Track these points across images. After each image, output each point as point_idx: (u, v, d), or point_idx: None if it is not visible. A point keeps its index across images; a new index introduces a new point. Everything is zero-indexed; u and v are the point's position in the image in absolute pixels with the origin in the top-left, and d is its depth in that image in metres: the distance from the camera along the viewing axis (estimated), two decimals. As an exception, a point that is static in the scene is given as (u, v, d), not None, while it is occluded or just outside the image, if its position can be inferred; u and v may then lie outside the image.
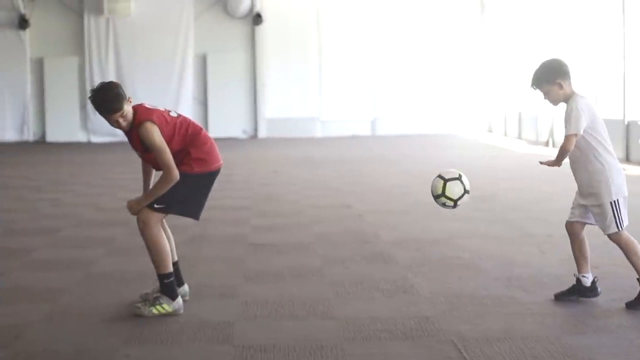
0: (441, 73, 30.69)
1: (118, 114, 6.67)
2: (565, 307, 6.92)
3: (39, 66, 30.03)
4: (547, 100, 7.03)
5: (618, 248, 6.99)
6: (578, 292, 7.02)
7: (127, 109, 6.71)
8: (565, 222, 7.16)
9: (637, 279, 6.90)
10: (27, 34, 29.69)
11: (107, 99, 6.67)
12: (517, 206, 12.68)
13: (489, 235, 10.27)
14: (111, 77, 29.02)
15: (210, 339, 6.23)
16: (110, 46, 30.00)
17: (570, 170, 7.15)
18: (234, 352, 5.90)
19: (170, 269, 6.94)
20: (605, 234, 6.94)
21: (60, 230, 11.14)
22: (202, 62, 30.48)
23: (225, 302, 7.30)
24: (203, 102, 30.38)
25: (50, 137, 29.79)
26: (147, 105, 6.93)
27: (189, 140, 6.92)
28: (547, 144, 24.74)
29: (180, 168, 6.83)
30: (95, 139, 29.70)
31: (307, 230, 10.93)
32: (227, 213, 12.45)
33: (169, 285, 6.90)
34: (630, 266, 6.97)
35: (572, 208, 7.10)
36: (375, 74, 31.07)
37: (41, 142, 29.57)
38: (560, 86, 6.84)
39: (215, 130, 29.78)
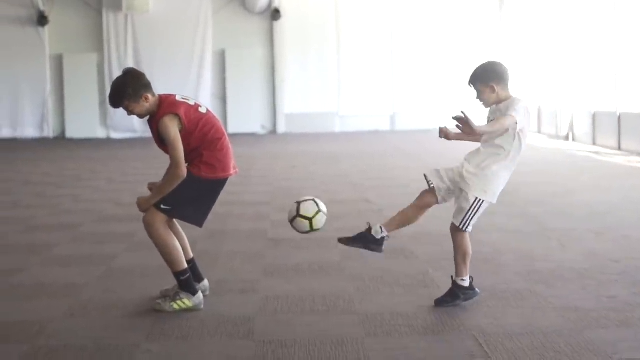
0: (460, 68, 30.55)
1: (121, 106, 6.82)
2: (587, 301, 6.89)
3: (58, 63, 30.10)
4: (479, 100, 6.91)
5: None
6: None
7: (134, 105, 6.76)
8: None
9: (452, 277, 6.90)
10: (46, 31, 29.75)
11: (111, 92, 6.87)
12: (537, 200, 12.63)
13: (509, 229, 10.24)
14: (130, 74, 29.04)
15: (230, 334, 6.23)
16: (129, 42, 30.03)
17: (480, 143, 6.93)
18: (254, 347, 5.90)
19: (184, 265, 6.92)
20: (452, 221, 6.81)
21: (80, 225, 11.18)
22: (221, 58, 30.49)
23: (245, 297, 7.30)
24: (222, 98, 30.41)
25: (70, 134, 29.85)
26: (177, 98, 6.92)
27: (207, 142, 6.88)
28: (567, 138, 24.66)
29: (188, 168, 6.85)
30: (114, 135, 29.76)
31: (327, 225, 10.88)
32: (247, 208, 12.46)
33: (186, 281, 6.90)
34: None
35: (441, 175, 6.90)
36: (394, 69, 31.00)
37: (61, 139, 29.66)
38: (493, 90, 6.78)
39: (234, 125, 29.81)
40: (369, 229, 6.91)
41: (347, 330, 6.23)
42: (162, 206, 6.81)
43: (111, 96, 6.84)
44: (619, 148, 21.22)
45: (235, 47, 30.42)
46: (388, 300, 7.11)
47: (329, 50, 30.86)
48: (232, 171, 7.06)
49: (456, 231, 6.80)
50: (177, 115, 6.75)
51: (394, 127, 30.99)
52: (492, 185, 6.73)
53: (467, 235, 6.79)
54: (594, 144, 22.90)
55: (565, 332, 6.07)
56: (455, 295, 6.80)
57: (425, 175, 6.97)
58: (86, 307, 7.07)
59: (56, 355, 5.83)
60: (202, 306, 6.90)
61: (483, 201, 6.70)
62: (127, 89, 6.75)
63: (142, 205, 6.90)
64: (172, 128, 6.74)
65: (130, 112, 6.85)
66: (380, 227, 6.89)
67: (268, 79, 30.74)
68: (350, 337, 6.05)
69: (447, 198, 6.90)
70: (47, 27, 29.72)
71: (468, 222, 6.72)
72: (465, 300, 6.79)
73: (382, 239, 6.88)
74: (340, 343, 5.93)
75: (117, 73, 28.42)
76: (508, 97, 6.80)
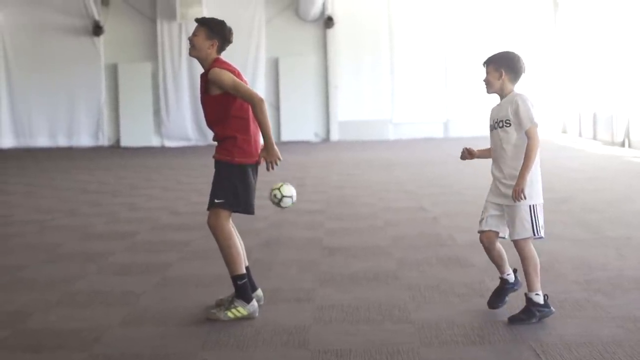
0: (514, 74, 30.33)
1: (200, 25, 7.18)
2: (647, 311, 6.80)
3: (113, 72, 30.37)
4: (484, 82, 7.00)
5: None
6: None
7: (202, 35, 7.14)
8: (478, 233, 6.92)
9: (525, 294, 6.71)
10: (101, 41, 30.03)
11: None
12: (594, 208, 12.49)
13: (565, 237, 10.13)
14: (184, 82, 29.36)
15: (286, 343, 6.23)
16: (183, 51, 30.15)
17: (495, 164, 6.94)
18: (310, 356, 5.89)
19: (243, 270, 6.96)
20: (515, 239, 6.71)
21: (136, 234, 11.24)
22: (274, 66, 30.58)
23: (300, 306, 7.30)
24: (275, 106, 30.45)
25: (125, 142, 30.08)
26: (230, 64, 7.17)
27: (242, 119, 7.02)
28: (623, 144, 24.38)
29: (219, 158, 6.99)
30: (169, 143, 29.93)
31: (382, 233, 10.89)
32: (301, 216, 12.45)
33: (242, 287, 6.92)
34: None
35: (486, 217, 6.84)
36: (448, 75, 30.87)
37: (116, 147, 29.90)
38: (501, 76, 6.85)
39: (287, 133, 29.88)
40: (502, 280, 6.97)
41: (402, 340, 6.20)
42: (216, 200, 6.92)
43: (207, 17, 7.29)
44: (677, 154, 20.93)
45: (288, 54, 30.50)
46: (444, 309, 7.07)
47: (382, 58, 30.80)
48: (260, 158, 7.07)
49: (521, 243, 6.68)
50: (224, 69, 7.02)
51: (447, 134, 30.86)
52: (536, 187, 6.67)
53: (531, 244, 6.70)
54: (651, 150, 22.61)
55: (624, 342, 5.99)
56: (531, 313, 6.58)
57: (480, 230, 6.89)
58: (142, 315, 7.11)
59: (113, 364, 5.87)
60: (257, 314, 6.91)
61: (536, 205, 6.62)
62: (213, 24, 7.20)
63: (269, 156, 6.93)
64: (224, 73, 7.00)
65: (191, 38, 7.12)
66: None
67: (321, 86, 30.77)
68: (405, 347, 6.02)
69: (502, 226, 6.79)
70: (102, 37, 30.00)
71: (537, 229, 6.63)
72: (541, 318, 6.57)
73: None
74: (396, 352, 5.90)
75: (171, 82, 28.95)
76: (510, 92, 6.86)
